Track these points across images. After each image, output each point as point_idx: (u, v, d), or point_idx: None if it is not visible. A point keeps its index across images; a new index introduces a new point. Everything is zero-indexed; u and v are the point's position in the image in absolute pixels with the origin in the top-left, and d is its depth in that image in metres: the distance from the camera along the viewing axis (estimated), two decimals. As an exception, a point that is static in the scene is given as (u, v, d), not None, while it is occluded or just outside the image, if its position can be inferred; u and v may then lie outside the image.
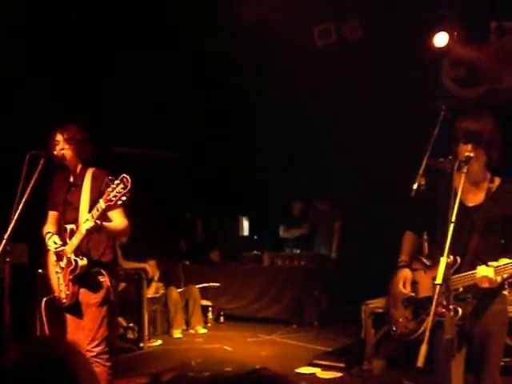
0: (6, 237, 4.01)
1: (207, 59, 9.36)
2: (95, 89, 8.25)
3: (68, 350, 1.90)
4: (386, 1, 7.92)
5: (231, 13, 7.84)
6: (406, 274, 3.60)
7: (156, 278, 8.49)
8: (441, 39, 7.95)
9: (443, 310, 3.11)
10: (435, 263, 3.31)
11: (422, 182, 5.10)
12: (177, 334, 8.25)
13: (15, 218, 4.06)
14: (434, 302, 3.02)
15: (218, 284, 9.24)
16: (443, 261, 3.07)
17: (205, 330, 8.56)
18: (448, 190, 3.38)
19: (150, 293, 8.24)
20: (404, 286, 3.57)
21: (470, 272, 3.28)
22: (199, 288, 8.93)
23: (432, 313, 3.02)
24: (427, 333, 2.98)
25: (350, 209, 9.27)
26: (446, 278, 3.06)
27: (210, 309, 9.08)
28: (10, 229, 4.03)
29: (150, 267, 8.34)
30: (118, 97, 8.65)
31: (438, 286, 3.03)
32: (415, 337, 3.50)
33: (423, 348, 2.92)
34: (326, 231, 9.63)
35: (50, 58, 7.74)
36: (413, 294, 3.57)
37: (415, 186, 5.08)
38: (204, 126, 10.46)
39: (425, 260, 3.66)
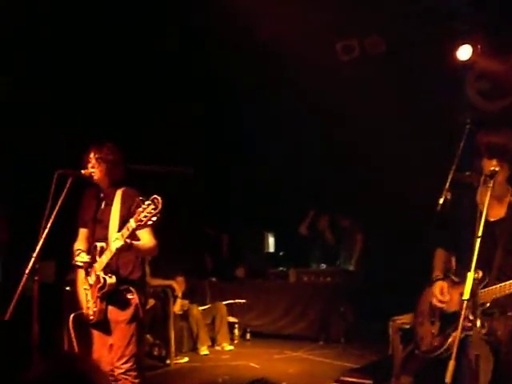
0: (34, 255, 4.06)
1: (222, 74, 9.40)
2: (109, 99, 8.32)
3: (90, 368, 1.93)
4: (410, 14, 7.91)
5: (250, 30, 7.92)
6: (442, 284, 3.58)
7: (180, 294, 8.50)
8: (464, 52, 7.93)
9: (470, 325, 3.09)
10: (463, 279, 3.29)
11: (448, 197, 5.07)
12: (203, 351, 8.24)
13: (43, 236, 4.11)
14: (462, 317, 3.00)
15: (244, 300, 9.22)
16: (470, 276, 3.06)
17: (231, 347, 8.54)
18: (472, 204, 3.37)
19: (176, 310, 8.26)
20: (442, 293, 3.55)
21: (498, 285, 3.25)
22: (226, 304, 8.93)
23: (460, 328, 3.00)
24: (455, 348, 2.96)
25: (376, 223, 9.22)
26: (473, 294, 3.04)
27: (237, 326, 9.07)
28: (38, 247, 4.08)
29: (178, 284, 8.38)
30: (132, 107, 8.76)
31: (466, 301, 3.01)
32: (439, 353, 3.48)
33: (451, 364, 2.90)
34: (349, 246, 9.62)
35: (66, 68, 7.88)
36: (444, 306, 3.54)
37: (441, 201, 5.05)
38: (229, 141, 10.51)
39: (453, 277, 3.64)
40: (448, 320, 3.49)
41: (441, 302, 3.57)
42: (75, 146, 4.68)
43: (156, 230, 4.40)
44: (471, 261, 3.06)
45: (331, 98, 8.39)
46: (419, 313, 3.75)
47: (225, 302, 8.97)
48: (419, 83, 8.19)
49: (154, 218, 3.82)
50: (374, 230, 9.19)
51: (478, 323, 3.19)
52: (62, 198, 4.23)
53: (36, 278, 4.09)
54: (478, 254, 3.10)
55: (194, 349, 8.33)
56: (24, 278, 3.99)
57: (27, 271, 4.02)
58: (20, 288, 3.97)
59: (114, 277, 4.28)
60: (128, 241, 4.07)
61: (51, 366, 1.92)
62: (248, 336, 9.15)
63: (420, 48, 8.08)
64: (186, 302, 8.60)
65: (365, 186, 9.10)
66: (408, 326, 5.68)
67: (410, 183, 7.76)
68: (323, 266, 9.60)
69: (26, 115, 7.53)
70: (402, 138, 7.95)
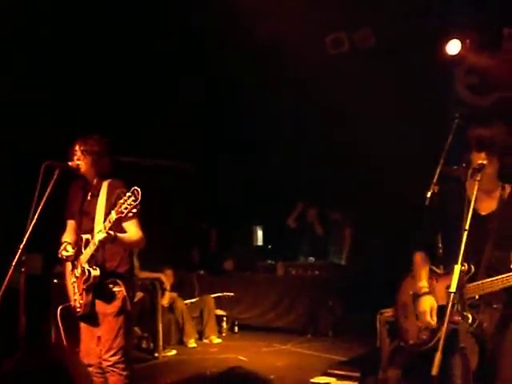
0: (21, 247, 4.04)
1: (220, 71, 9.40)
2: (106, 98, 8.31)
3: (66, 357, 1.94)
4: (399, 9, 7.92)
5: (250, 29, 7.91)
6: (431, 302, 3.50)
7: (168, 287, 8.49)
8: (453, 47, 7.95)
9: (458, 318, 3.09)
10: (448, 271, 3.30)
11: (436, 190, 5.08)
12: (190, 343, 8.24)
13: (30, 228, 4.09)
14: (449, 310, 3.00)
15: (232, 294, 9.22)
16: (457, 269, 3.06)
17: (219, 340, 8.54)
18: (461, 198, 3.37)
19: (164, 302, 8.25)
20: (431, 316, 3.49)
21: (487, 280, 3.26)
22: (214, 297, 8.94)
23: (446, 321, 3.01)
24: (441, 341, 2.97)
25: (363, 217, 9.24)
26: (460, 286, 3.05)
27: (225, 319, 9.08)
28: (25, 239, 4.06)
29: (167, 277, 8.37)
30: (133, 107, 8.74)
31: (453, 294, 3.02)
32: (430, 346, 3.47)
33: (438, 356, 2.91)
34: (338, 239, 9.64)
35: (66, 68, 7.85)
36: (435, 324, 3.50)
37: (429, 194, 5.06)
38: (217, 137, 10.50)
39: (436, 269, 3.64)
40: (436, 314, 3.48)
41: (430, 324, 3.51)
42: (67, 139, 4.64)
43: (145, 223, 4.39)
44: (459, 254, 3.07)
45: (318, 94, 8.40)
46: (401, 305, 3.75)
47: (213, 295, 8.97)
48: (413, 80, 8.20)
49: (135, 210, 3.81)
50: (365, 224, 9.22)
51: (470, 317, 3.20)
52: (48, 189, 4.21)
53: (23, 269, 4.08)
54: (469, 248, 3.11)
55: (182, 342, 8.32)
56: (10, 270, 3.97)
57: (14, 263, 4.00)
58: (6, 280, 3.95)
59: (98, 269, 4.27)
60: (111, 233, 4.06)
61: (27, 356, 1.93)
62: (236, 329, 9.15)
63: (410, 44, 8.09)
64: (175, 294, 8.59)
65: (353, 180, 9.11)
66: (393, 319, 5.69)
67: (400, 177, 7.77)
68: (312, 259, 9.61)
69: (26, 114, 7.52)
70: (399, 136, 7.96)
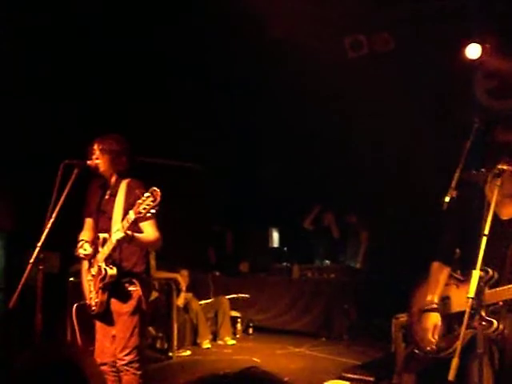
0: (39, 245, 4.06)
1: (234, 73, 9.41)
2: (124, 99, 8.35)
3: (79, 355, 1.94)
4: (418, 12, 7.88)
5: (259, 27, 7.90)
6: (435, 320, 3.43)
7: (184, 288, 8.50)
8: (473, 51, 7.90)
9: (477, 324, 3.06)
10: (468, 277, 3.26)
11: (454, 195, 5.04)
12: (205, 344, 8.25)
13: (48, 226, 4.11)
14: (467, 316, 2.97)
15: (247, 295, 9.21)
16: (476, 274, 3.03)
17: (234, 341, 8.54)
18: (480, 203, 3.34)
19: (180, 303, 8.26)
20: (433, 335, 3.44)
21: (510, 286, 3.22)
22: (229, 299, 8.93)
23: (464, 326, 2.98)
24: (459, 347, 2.94)
25: (380, 220, 9.20)
26: (479, 292, 3.01)
27: (239, 320, 9.07)
28: (43, 237, 4.08)
29: (183, 277, 8.38)
30: (147, 107, 8.77)
31: (471, 300, 2.99)
32: (448, 353, 3.42)
33: (454, 362, 2.88)
34: (354, 243, 9.60)
35: (87, 69, 7.90)
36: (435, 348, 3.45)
37: (447, 199, 5.02)
38: (234, 138, 10.52)
39: (457, 275, 3.60)
40: (455, 319, 3.44)
41: (431, 343, 3.46)
42: (85, 138, 4.67)
43: (161, 223, 4.40)
44: (478, 259, 3.03)
45: (341, 97, 8.39)
46: (415, 311, 3.70)
47: (228, 296, 8.96)
48: (432, 84, 8.17)
49: (153, 211, 3.82)
50: (381, 228, 9.18)
51: (495, 323, 3.16)
52: (67, 188, 4.23)
53: (40, 267, 4.10)
54: (490, 253, 3.07)
55: (197, 342, 8.33)
56: (28, 267, 3.99)
57: (32, 260, 4.02)
58: (24, 277, 3.97)
59: (115, 268, 4.28)
60: (129, 232, 4.07)
61: (41, 353, 1.94)
62: (251, 331, 9.15)
63: (430, 47, 8.05)
64: (190, 295, 8.60)
65: (374, 184, 9.07)
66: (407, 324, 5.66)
67: (418, 182, 7.73)
68: (327, 262, 9.59)
69: (46, 113, 7.57)
70: (416, 140, 7.93)
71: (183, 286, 8.45)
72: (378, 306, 7.86)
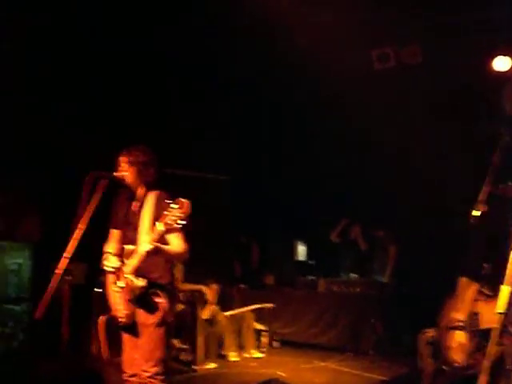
0: (66, 255, 4.08)
1: (262, 85, 9.42)
2: (150, 112, 8.40)
3: (104, 368, 1.95)
4: (448, 24, 7.84)
5: (284, 38, 7.91)
6: (461, 338, 3.40)
7: (212, 300, 8.49)
8: (502, 63, 7.83)
9: (506, 340, 3.01)
10: (497, 293, 3.20)
11: (483, 209, 4.97)
12: (231, 357, 8.22)
13: (76, 237, 4.12)
14: (496, 332, 2.92)
15: (271, 305, 9.11)
16: (505, 289, 2.98)
17: (259, 355, 8.52)
18: (508, 217, 3.29)
19: (205, 315, 8.24)
20: (460, 352, 3.39)
21: None
22: (254, 311, 8.87)
23: (492, 343, 2.93)
24: (487, 363, 2.89)
25: (408, 234, 9.11)
26: (508, 307, 2.96)
27: (265, 333, 9.02)
28: (71, 248, 4.10)
29: (211, 290, 8.37)
30: (170, 119, 8.82)
31: (500, 315, 2.94)
32: (478, 369, 3.36)
33: (483, 379, 2.83)
34: (381, 257, 9.52)
35: (116, 81, 7.97)
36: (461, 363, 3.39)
37: (476, 214, 4.96)
38: (263, 151, 10.52)
39: (486, 290, 3.54)
40: (484, 335, 3.38)
41: (458, 360, 3.41)
42: (110, 148, 4.70)
43: (187, 234, 4.40)
44: (507, 274, 2.99)
45: (366, 109, 8.35)
46: (444, 327, 3.65)
47: (252, 307, 8.90)
48: (461, 97, 8.10)
49: (182, 222, 3.81)
50: (409, 242, 9.09)
51: None
52: (95, 199, 4.25)
53: (67, 278, 4.12)
54: None
55: (222, 355, 8.30)
56: (55, 278, 4.01)
57: (59, 271, 4.03)
58: (51, 288, 3.99)
59: (143, 280, 4.28)
60: (156, 244, 4.07)
61: (66, 363, 1.95)
62: (276, 344, 9.11)
63: (456, 59, 8.00)
64: (216, 308, 8.58)
65: (401, 198, 9.00)
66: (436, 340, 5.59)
67: (445, 195, 7.66)
68: (354, 276, 9.52)
69: (74, 124, 7.65)
70: (439, 150, 7.86)
71: (210, 298, 8.44)
72: (405, 321, 7.78)
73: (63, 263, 4.06)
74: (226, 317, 8.51)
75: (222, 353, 8.30)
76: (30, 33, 7.01)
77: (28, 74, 7.24)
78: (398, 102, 8.19)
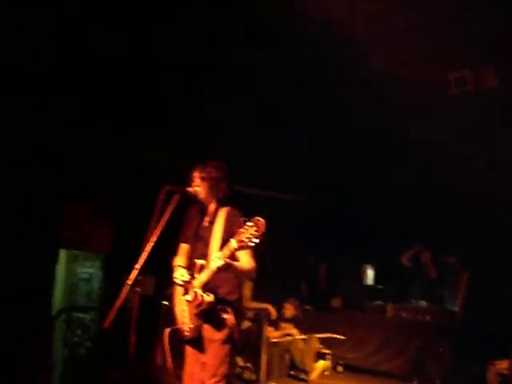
0: (137, 267, 4.13)
1: (340, 102, 9.39)
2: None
3: (165, 377, 1.96)
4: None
5: (357, 59, 7.87)
6: None
7: (290, 315, 8.52)
8: None
9: None
10: None
11: None
12: (297, 377, 8.16)
13: (148, 249, 4.17)
14: None
15: (343, 337, 8.96)
16: None
17: (323, 378, 8.40)
18: None
19: (276, 335, 8.22)
20: None
21: None
22: (321, 338, 8.76)
23: None
24: None
25: (481, 262, 8.85)
26: None
27: (329, 357, 8.90)
28: (142, 259, 4.15)
29: (289, 309, 8.36)
30: (243, 137, 8.89)
31: None
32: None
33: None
34: (453, 284, 9.27)
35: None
36: None
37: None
38: (330, 171, 10.47)
39: None
40: None
41: None
42: (179, 163, 4.76)
43: (256, 253, 4.40)
44: None
45: (442, 132, 8.21)
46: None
47: (321, 335, 8.78)
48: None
49: (256, 240, 3.81)
50: (483, 271, 8.83)
51: None
52: (167, 213, 4.29)
53: (137, 289, 4.16)
54: None
55: (285, 375, 8.22)
56: (125, 289, 4.06)
57: (129, 282, 4.09)
58: (121, 298, 4.04)
59: (211, 295, 4.29)
60: (228, 260, 4.08)
61: (131, 373, 1.96)
62: (340, 369, 8.98)
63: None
64: (291, 325, 8.57)
65: (477, 226, 8.76)
66: (507, 372, 5.41)
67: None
68: (423, 303, 9.30)
69: (149, 139, 7.80)
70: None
71: (288, 314, 8.42)
72: (476, 351, 7.53)
73: (134, 274, 4.11)
74: (296, 344, 8.43)
75: (286, 373, 8.24)
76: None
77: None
78: (476, 124, 8.00)
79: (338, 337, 8.92)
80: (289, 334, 8.45)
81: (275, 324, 8.32)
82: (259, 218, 3.78)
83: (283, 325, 8.49)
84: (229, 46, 7.94)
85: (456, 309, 9.11)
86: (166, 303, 6.62)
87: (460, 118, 8.07)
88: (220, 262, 4.05)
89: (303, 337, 8.59)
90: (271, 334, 8.21)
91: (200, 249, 4.50)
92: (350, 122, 9.77)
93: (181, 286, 4.51)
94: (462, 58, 8.12)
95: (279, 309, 8.68)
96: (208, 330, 4.37)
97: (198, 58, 7.98)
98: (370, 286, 10.69)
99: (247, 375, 7.88)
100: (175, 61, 7.89)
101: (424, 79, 7.95)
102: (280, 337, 8.35)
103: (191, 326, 4.37)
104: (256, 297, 8.02)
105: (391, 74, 7.94)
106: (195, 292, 4.32)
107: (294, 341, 8.43)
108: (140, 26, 7.54)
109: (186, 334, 4.43)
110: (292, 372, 8.27)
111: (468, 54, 8.01)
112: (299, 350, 8.35)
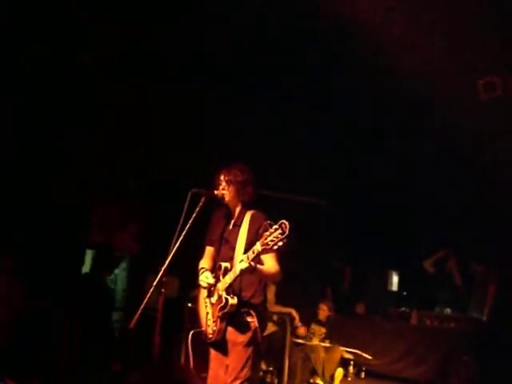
0: (163, 268, 4.16)
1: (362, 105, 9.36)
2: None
3: (189, 378, 1.97)
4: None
5: (385, 63, 7.84)
6: None
7: (323, 319, 8.59)
8: None
9: None
10: None
11: None
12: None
13: (173, 251, 4.20)
14: None
15: (370, 357, 8.77)
16: None
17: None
18: None
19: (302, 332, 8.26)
20: None
21: None
22: (346, 351, 8.70)
23: None
24: None
25: (509, 270, 8.75)
26: None
27: (352, 363, 8.86)
28: (167, 261, 4.18)
29: (323, 310, 8.39)
30: (269, 143, 8.90)
31: None
32: None
33: None
34: (480, 293, 9.17)
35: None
36: None
37: None
38: (357, 175, 10.44)
39: None
40: None
41: None
42: (206, 166, 4.79)
43: (281, 256, 4.40)
44: None
45: (464, 132, 8.15)
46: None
47: (349, 350, 8.72)
48: None
49: (280, 243, 3.80)
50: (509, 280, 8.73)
51: None
52: (194, 216, 4.31)
53: (162, 290, 4.19)
54: None
55: (308, 381, 8.20)
56: (151, 290, 4.09)
57: (154, 283, 4.12)
58: (146, 299, 4.07)
59: (235, 298, 4.29)
60: (252, 264, 4.07)
61: (154, 373, 1.98)
62: (363, 375, 8.94)
63: None
64: (323, 329, 8.56)
65: (506, 233, 8.66)
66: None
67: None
68: (448, 310, 9.22)
69: (177, 142, 7.85)
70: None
71: (321, 318, 8.49)
72: (502, 361, 7.44)
73: (160, 276, 4.14)
74: (318, 351, 8.40)
75: (308, 379, 8.21)
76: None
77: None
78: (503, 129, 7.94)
79: (365, 355, 8.76)
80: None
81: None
82: (284, 221, 3.77)
83: (315, 327, 8.47)
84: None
85: (483, 317, 9.01)
86: (190, 305, 6.65)
87: (489, 124, 7.99)
88: (244, 265, 4.05)
89: (327, 345, 8.55)
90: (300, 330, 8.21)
91: (225, 252, 4.51)
92: (376, 122, 9.72)
93: (205, 288, 4.52)
94: (490, 65, 8.06)
95: (305, 312, 8.68)
96: (232, 333, 4.37)
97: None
98: (394, 292, 10.63)
99: (269, 379, 7.87)
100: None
101: (453, 85, 7.89)
102: (304, 334, 8.34)
103: (215, 328, 4.38)
104: (280, 300, 8.01)
105: (420, 78, 7.89)
106: (219, 294, 4.33)
107: (317, 348, 8.39)
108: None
109: (210, 336, 4.44)
110: (311, 380, 8.21)
111: (496, 61, 7.95)
112: (321, 358, 8.30)
